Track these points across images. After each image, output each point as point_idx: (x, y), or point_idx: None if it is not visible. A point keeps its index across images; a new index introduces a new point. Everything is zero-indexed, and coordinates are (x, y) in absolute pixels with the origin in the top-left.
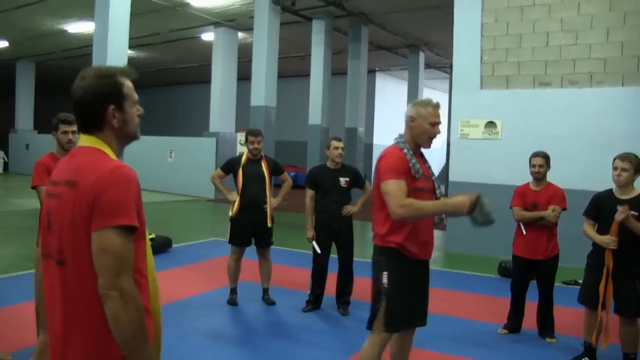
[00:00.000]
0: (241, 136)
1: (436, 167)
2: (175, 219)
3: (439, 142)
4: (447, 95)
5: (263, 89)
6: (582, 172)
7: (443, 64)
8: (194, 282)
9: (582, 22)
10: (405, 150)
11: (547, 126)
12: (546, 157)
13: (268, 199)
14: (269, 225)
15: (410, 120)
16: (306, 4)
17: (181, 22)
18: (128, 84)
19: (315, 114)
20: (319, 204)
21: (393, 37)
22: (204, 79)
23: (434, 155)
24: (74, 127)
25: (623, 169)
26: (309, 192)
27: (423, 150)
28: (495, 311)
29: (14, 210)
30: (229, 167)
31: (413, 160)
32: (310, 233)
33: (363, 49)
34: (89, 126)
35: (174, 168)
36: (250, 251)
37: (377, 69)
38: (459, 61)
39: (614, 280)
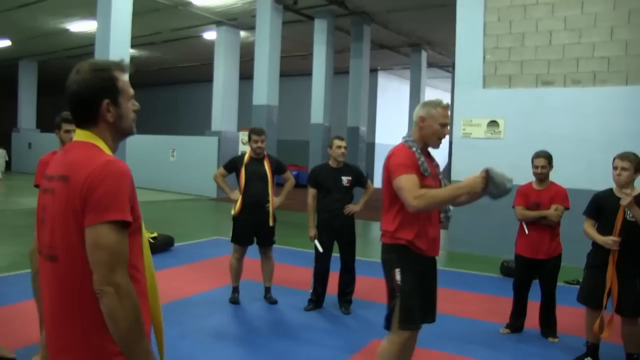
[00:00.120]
0: (243, 135)
1: None
2: (178, 217)
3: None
4: (449, 95)
5: (265, 88)
6: (585, 171)
7: (445, 63)
8: (196, 281)
9: (585, 20)
10: (414, 149)
11: (550, 125)
12: (548, 157)
13: (270, 198)
14: (271, 224)
15: (420, 120)
16: (308, 2)
17: (183, 21)
18: (123, 78)
19: (317, 113)
20: (321, 203)
21: (395, 36)
22: (206, 78)
23: (436, 154)
24: None
25: (623, 168)
26: (311, 191)
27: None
28: (498, 311)
29: (17, 209)
30: (232, 165)
31: (422, 159)
32: (313, 232)
33: (365, 48)
34: (83, 121)
35: (176, 167)
36: (253, 250)
37: (379, 68)
38: (462, 60)
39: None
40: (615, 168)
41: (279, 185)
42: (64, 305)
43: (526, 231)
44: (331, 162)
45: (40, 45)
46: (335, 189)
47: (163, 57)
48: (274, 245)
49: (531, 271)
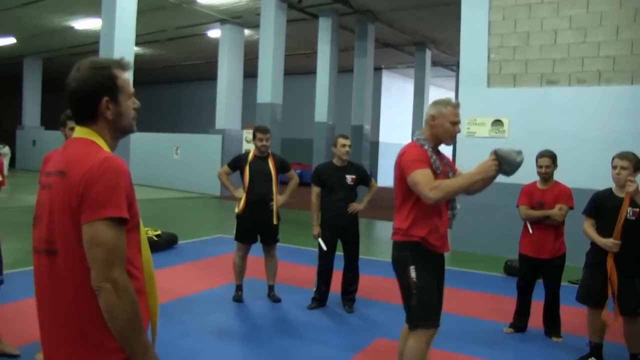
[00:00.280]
0: (247, 133)
1: None
2: (181, 215)
3: None
4: (453, 94)
5: (269, 86)
6: (590, 171)
7: (450, 62)
8: (199, 279)
9: (591, 19)
10: (426, 147)
11: (555, 125)
12: (553, 157)
13: (274, 196)
14: (275, 222)
15: (431, 119)
16: (313, 1)
17: (187, 19)
18: (123, 76)
19: (321, 112)
20: (325, 202)
21: (399, 34)
22: (210, 76)
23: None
24: None
25: (622, 167)
26: (315, 190)
27: None
28: (501, 310)
29: (21, 206)
30: (236, 163)
31: (434, 157)
32: (316, 230)
33: (369, 47)
34: (83, 118)
35: (179, 165)
36: (256, 248)
37: (383, 66)
38: (466, 59)
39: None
40: (614, 167)
41: (283, 183)
42: (61, 300)
43: (530, 231)
44: (335, 161)
45: (45, 42)
46: (339, 188)
47: (167, 55)
48: (278, 244)
49: (535, 271)
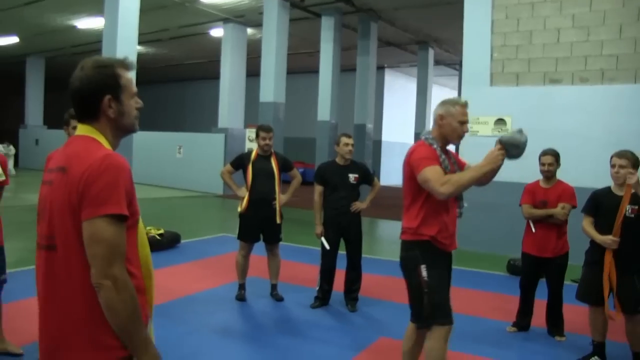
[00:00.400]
0: (250, 132)
1: None
2: (184, 214)
3: None
4: (456, 92)
5: (272, 85)
6: (592, 170)
7: (452, 61)
8: (202, 278)
9: (594, 18)
10: (435, 146)
11: (557, 124)
12: (556, 155)
13: (277, 195)
14: (278, 221)
15: (439, 119)
16: (315, 0)
17: (190, 18)
18: (127, 75)
19: (324, 111)
20: (327, 200)
21: (402, 33)
22: (213, 75)
23: None
24: None
25: (621, 166)
26: (318, 188)
27: None
28: (504, 309)
29: (24, 204)
30: (239, 162)
31: (443, 156)
32: (319, 229)
33: (372, 46)
34: (85, 116)
35: (182, 164)
36: (259, 247)
37: (386, 65)
38: (469, 58)
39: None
40: (613, 166)
41: (286, 182)
42: (60, 296)
43: (533, 229)
44: (338, 160)
45: (48, 42)
46: (342, 186)
47: (170, 54)
48: (281, 243)
49: (538, 269)
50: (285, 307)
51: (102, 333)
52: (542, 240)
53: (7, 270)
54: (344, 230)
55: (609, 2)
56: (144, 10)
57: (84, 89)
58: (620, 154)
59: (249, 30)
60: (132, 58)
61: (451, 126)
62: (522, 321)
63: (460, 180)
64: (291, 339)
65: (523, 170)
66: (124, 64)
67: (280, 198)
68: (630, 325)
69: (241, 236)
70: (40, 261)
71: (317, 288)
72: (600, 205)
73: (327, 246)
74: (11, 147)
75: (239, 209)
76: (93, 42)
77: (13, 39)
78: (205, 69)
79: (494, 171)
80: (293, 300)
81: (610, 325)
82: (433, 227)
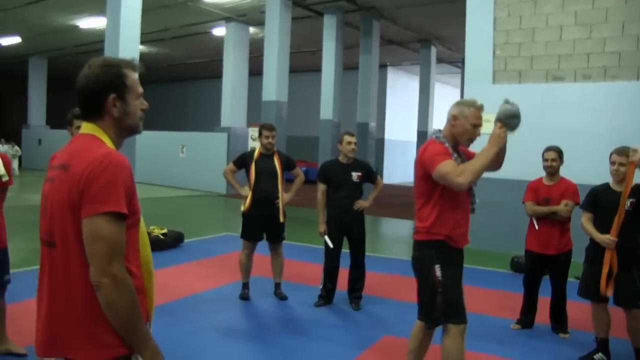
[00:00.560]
0: (253, 131)
1: None
2: (187, 214)
3: None
4: (459, 90)
5: (274, 84)
6: (596, 167)
7: (455, 59)
8: (206, 277)
9: (596, 15)
10: (447, 144)
11: (560, 121)
12: (559, 152)
13: (280, 194)
14: (281, 220)
15: (453, 119)
16: None
17: (192, 18)
18: (133, 76)
19: (326, 109)
20: (330, 199)
21: (404, 31)
22: (216, 74)
23: None
24: None
25: (621, 164)
26: (321, 187)
27: None
28: (508, 306)
29: (27, 205)
30: (242, 161)
31: (455, 155)
32: (322, 228)
33: (374, 44)
34: (89, 114)
35: (185, 163)
36: (262, 246)
37: (388, 63)
38: (471, 56)
39: (611, 273)
40: (612, 163)
41: (289, 181)
42: (61, 293)
43: (536, 226)
44: (341, 158)
45: (50, 41)
46: (345, 185)
47: (172, 53)
48: (284, 241)
49: (541, 267)
50: (289, 306)
51: (102, 330)
52: (546, 237)
53: (11, 271)
54: (348, 228)
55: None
56: (146, 10)
57: (90, 87)
58: (620, 151)
59: (251, 29)
60: (135, 58)
61: (463, 128)
62: (526, 318)
63: (474, 167)
64: (295, 338)
65: (526, 168)
66: (132, 65)
67: (283, 197)
68: (631, 321)
69: (244, 235)
70: (43, 257)
71: (321, 287)
72: (599, 201)
73: (330, 245)
74: (16, 147)
75: (242, 208)
76: (95, 41)
77: (15, 39)
78: (207, 68)
79: (502, 151)
80: (297, 299)
81: (614, 322)
82: (447, 226)
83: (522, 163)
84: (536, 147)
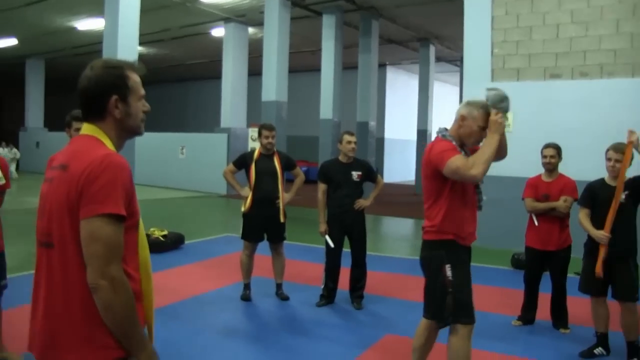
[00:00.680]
0: (253, 131)
1: None
2: (188, 215)
3: None
4: (458, 89)
5: (274, 84)
6: (594, 163)
7: (454, 57)
8: (207, 278)
9: (592, 13)
10: (454, 143)
11: (558, 118)
12: (557, 148)
13: (280, 194)
14: (282, 220)
15: (461, 119)
16: None
17: (191, 18)
18: (135, 78)
19: (326, 109)
20: (331, 198)
21: (403, 30)
22: (215, 75)
23: None
24: None
25: (617, 160)
26: (322, 186)
27: None
28: (509, 303)
29: (24, 208)
30: (242, 162)
31: (462, 153)
32: (323, 227)
33: (374, 43)
34: (91, 115)
35: (185, 164)
36: (263, 246)
37: (387, 63)
38: (470, 54)
39: (609, 266)
40: (609, 159)
41: (289, 181)
42: (58, 294)
43: (536, 223)
44: (341, 157)
45: (48, 43)
46: (346, 184)
47: (171, 54)
48: (285, 242)
49: (542, 263)
50: (291, 306)
51: (98, 332)
52: (545, 233)
53: (8, 276)
54: (348, 228)
55: None
56: (144, 11)
57: (92, 88)
58: (617, 148)
59: (250, 30)
60: (134, 59)
61: (471, 129)
62: (527, 315)
63: (483, 157)
64: (297, 338)
65: (525, 165)
66: (134, 67)
67: (284, 197)
68: (626, 314)
69: (245, 236)
70: (41, 258)
71: (322, 286)
72: (596, 196)
73: (331, 244)
74: (15, 150)
75: (243, 209)
76: (94, 43)
77: (12, 41)
78: (207, 69)
79: (503, 137)
80: (298, 299)
81: (613, 316)
82: (456, 225)
83: (521, 160)
84: (535, 144)
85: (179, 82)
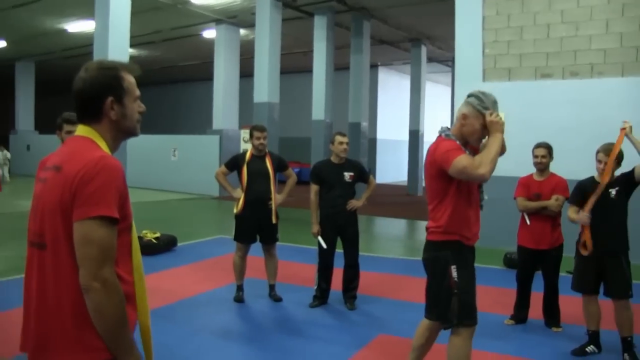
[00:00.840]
0: (245, 133)
1: None
2: (180, 217)
3: None
4: (449, 89)
5: (266, 86)
6: (585, 162)
7: (445, 58)
8: (200, 280)
9: (582, 13)
10: (458, 142)
11: (550, 117)
12: (549, 148)
13: (273, 195)
14: (274, 221)
15: (462, 118)
16: None
17: (183, 20)
18: (130, 79)
19: (318, 110)
20: (323, 199)
21: (395, 31)
22: (207, 77)
23: None
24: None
25: (607, 163)
26: (314, 187)
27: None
28: (502, 302)
29: (15, 211)
30: (234, 163)
31: (467, 152)
32: (316, 228)
33: (365, 44)
34: (86, 117)
35: (177, 166)
36: (256, 248)
37: (379, 63)
38: (461, 54)
39: (600, 263)
40: (599, 162)
41: (281, 182)
42: (46, 295)
43: (527, 222)
44: (333, 158)
45: (38, 45)
46: (338, 185)
47: (163, 56)
48: (277, 243)
49: (534, 262)
50: (284, 307)
51: (88, 334)
52: (537, 232)
53: None
54: (341, 228)
55: None
56: (135, 12)
57: (87, 90)
58: (607, 150)
59: (242, 31)
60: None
61: (473, 127)
62: (520, 314)
63: (490, 156)
64: (291, 339)
65: (516, 164)
66: (129, 68)
67: (276, 198)
68: (620, 311)
69: (237, 237)
70: (31, 259)
71: (315, 287)
72: (586, 194)
73: (324, 245)
74: (6, 152)
75: (235, 210)
76: (84, 45)
77: (1, 43)
78: (198, 71)
79: (503, 132)
80: (291, 300)
81: (604, 315)
82: (461, 225)
83: (513, 160)
84: (526, 143)
85: (170, 84)
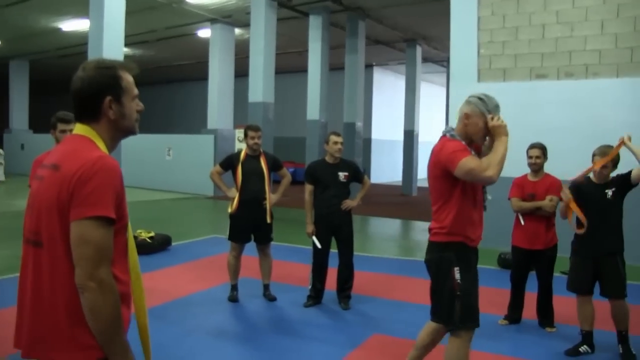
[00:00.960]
0: (239, 133)
1: None
2: (175, 217)
3: (438, 135)
4: (444, 89)
5: (261, 85)
6: (579, 163)
7: (440, 58)
8: (194, 280)
9: (577, 14)
10: (464, 142)
11: (544, 118)
12: (543, 149)
13: (267, 195)
14: (269, 221)
15: (465, 117)
16: None
17: (177, 19)
18: (128, 78)
19: (313, 110)
20: (318, 199)
21: (390, 31)
22: (201, 76)
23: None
24: (72, 126)
25: (603, 167)
26: (308, 187)
27: None
28: (496, 302)
29: (10, 211)
30: (228, 163)
31: (473, 152)
32: (310, 228)
33: (360, 44)
34: (85, 116)
35: (172, 166)
36: (250, 247)
37: (374, 63)
38: (456, 54)
39: (596, 264)
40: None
41: (276, 182)
42: (42, 293)
43: (522, 222)
44: (327, 158)
45: (32, 44)
46: (333, 185)
47: (157, 55)
48: (272, 242)
49: (528, 262)
50: (279, 307)
51: (81, 332)
52: (532, 232)
53: None
54: (336, 228)
55: None
56: (130, 12)
57: (85, 90)
58: (604, 153)
59: (237, 31)
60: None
61: (477, 126)
62: (514, 314)
63: (497, 158)
64: (285, 339)
65: (510, 165)
66: (127, 67)
67: (271, 198)
68: (615, 308)
69: (232, 237)
70: (27, 256)
71: (310, 287)
72: (581, 192)
73: (318, 245)
74: (0, 150)
75: (229, 210)
76: (79, 44)
77: None
78: (193, 70)
79: (507, 134)
80: (286, 299)
81: (598, 315)
82: (466, 226)
83: (507, 160)
84: (520, 144)
85: (165, 83)
